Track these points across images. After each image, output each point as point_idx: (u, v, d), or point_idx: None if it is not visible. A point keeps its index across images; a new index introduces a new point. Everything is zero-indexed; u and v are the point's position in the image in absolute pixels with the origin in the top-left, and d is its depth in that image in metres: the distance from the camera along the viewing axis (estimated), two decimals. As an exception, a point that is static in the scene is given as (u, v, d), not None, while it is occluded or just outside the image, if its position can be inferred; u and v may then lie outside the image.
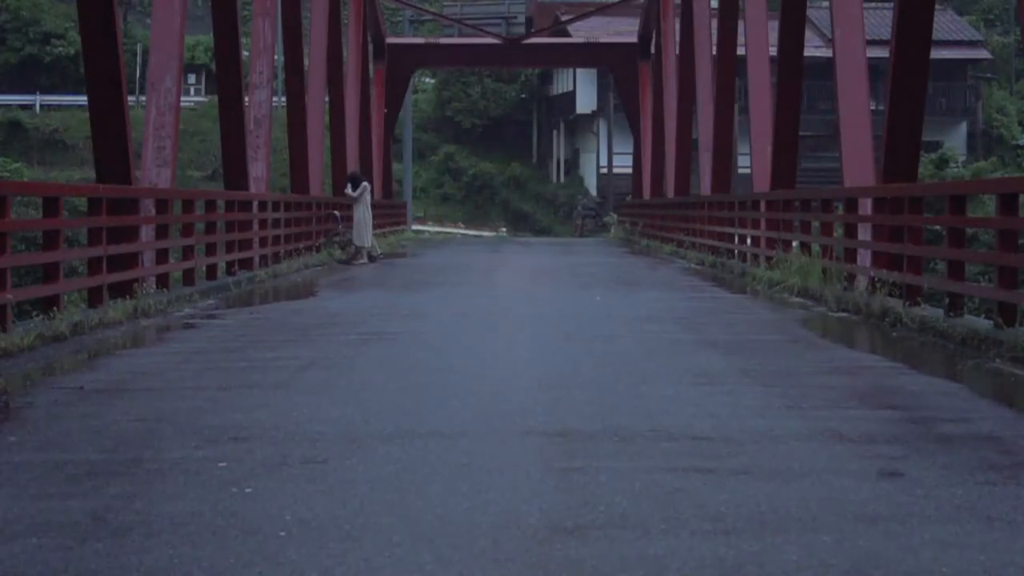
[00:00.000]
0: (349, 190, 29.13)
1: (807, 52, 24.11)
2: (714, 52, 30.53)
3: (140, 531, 5.50)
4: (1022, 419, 8.54)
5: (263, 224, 24.90)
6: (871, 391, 9.77)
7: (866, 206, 17.50)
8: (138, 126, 24.58)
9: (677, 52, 37.34)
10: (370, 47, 44.98)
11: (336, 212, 30.76)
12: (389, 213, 44.27)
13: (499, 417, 8.32)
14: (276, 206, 26.33)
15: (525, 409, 8.63)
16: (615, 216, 53.77)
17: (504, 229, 63.76)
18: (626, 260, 31.93)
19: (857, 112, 19.35)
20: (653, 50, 44.32)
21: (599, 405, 8.82)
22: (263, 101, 26.82)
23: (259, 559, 5.09)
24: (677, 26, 37.49)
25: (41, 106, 67.84)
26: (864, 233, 17.54)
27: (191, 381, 10.10)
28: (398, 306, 17.26)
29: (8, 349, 11.71)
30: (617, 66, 49.34)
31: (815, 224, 20.35)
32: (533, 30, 60.88)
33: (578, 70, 63.49)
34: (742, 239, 25.91)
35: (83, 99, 33.60)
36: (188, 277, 19.53)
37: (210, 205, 22.13)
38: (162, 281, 18.04)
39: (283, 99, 35.21)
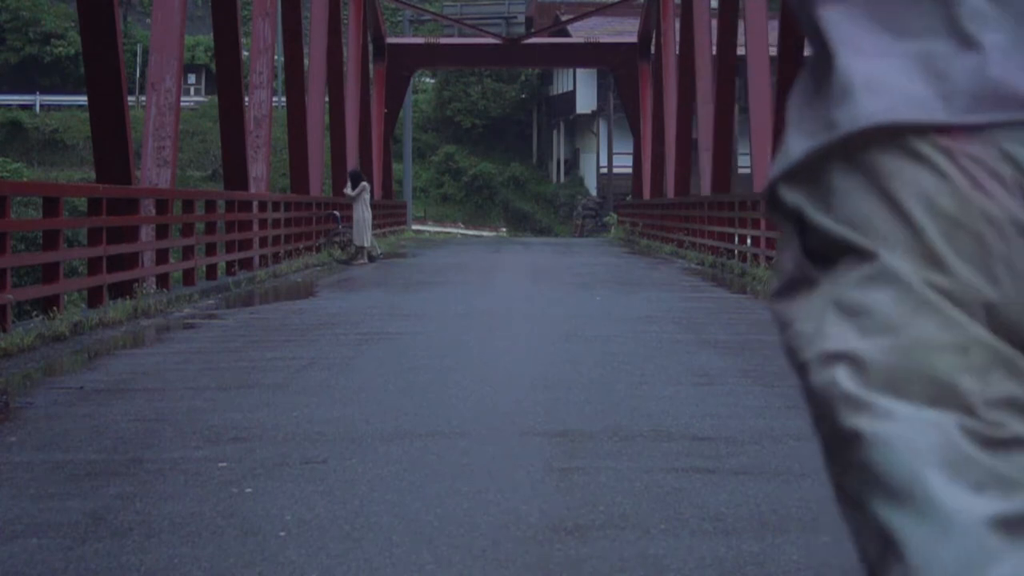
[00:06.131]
0: (348, 189, 29.12)
1: (807, 52, 24.08)
2: (714, 52, 30.52)
3: (140, 531, 5.49)
4: (1022, 419, 8.53)
5: (263, 224, 24.91)
6: (871, 391, 9.74)
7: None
8: (138, 126, 24.56)
9: (677, 52, 37.34)
10: (370, 47, 45.00)
11: (336, 212, 30.76)
12: (389, 213, 44.29)
13: (499, 417, 8.31)
14: (276, 206, 26.33)
15: (525, 409, 8.62)
16: (615, 216, 53.78)
17: (504, 229, 63.74)
18: (626, 260, 31.92)
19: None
20: (653, 50, 44.34)
21: (599, 405, 8.81)
22: (263, 101, 26.83)
23: (259, 559, 5.08)
24: (677, 26, 37.50)
25: (41, 106, 67.82)
26: (864, 233, 17.54)
27: (191, 381, 10.10)
28: (398, 306, 17.25)
29: (8, 349, 11.72)
30: (617, 66, 49.36)
31: (815, 224, 20.35)
32: (533, 30, 60.88)
33: (578, 70, 63.49)
34: (742, 239, 25.91)
35: (83, 99, 33.61)
36: (188, 277, 19.54)
37: (210, 205, 22.15)
38: (162, 281, 18.06)
39: (283, 99, 35.22)
